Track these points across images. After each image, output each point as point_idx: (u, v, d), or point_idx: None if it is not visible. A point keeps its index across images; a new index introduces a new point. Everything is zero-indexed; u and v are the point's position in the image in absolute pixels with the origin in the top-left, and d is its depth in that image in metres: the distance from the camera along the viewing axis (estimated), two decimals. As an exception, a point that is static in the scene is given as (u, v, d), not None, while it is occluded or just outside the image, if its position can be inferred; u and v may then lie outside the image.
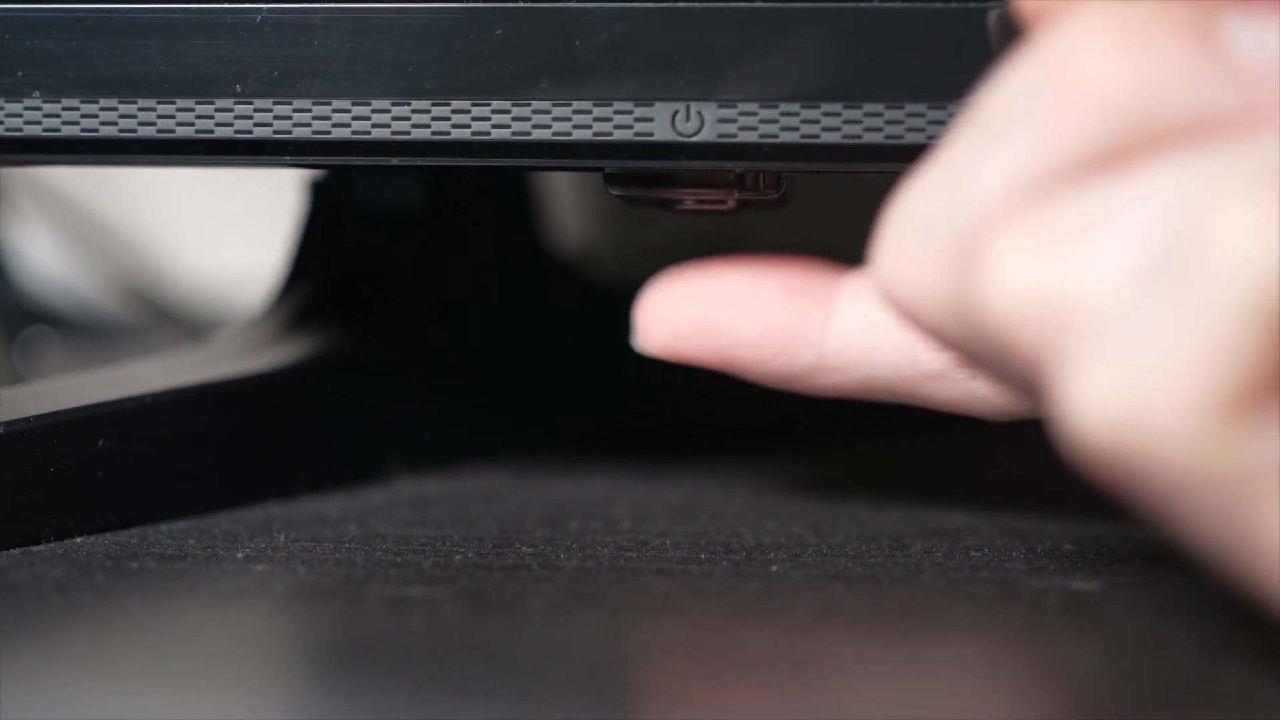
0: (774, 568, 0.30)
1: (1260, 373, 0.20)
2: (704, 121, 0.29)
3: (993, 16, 0.27)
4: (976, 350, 0.23)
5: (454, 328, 0.41)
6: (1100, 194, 0.21)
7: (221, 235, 0.71)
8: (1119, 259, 0.20)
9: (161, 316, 0.66)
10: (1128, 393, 0.20)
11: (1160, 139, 0.21)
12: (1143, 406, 0.20)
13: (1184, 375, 0.20)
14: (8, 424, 0.31)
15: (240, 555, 0.31)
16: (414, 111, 0.30)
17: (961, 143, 0.23)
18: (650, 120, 0.29)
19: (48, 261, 0.68)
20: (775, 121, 0.29)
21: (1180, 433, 0.20)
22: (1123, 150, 0.21)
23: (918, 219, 0.23)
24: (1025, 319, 0.21)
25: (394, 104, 0.30)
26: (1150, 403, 0.20)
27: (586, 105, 0.30)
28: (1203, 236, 0.20)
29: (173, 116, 0.31)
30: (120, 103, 0.31)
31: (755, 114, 0.29)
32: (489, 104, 0.30)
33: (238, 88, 0.30)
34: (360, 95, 0.30)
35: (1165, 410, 0.20)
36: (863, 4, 0.29)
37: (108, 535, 0.32)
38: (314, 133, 0.30)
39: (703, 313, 0.31)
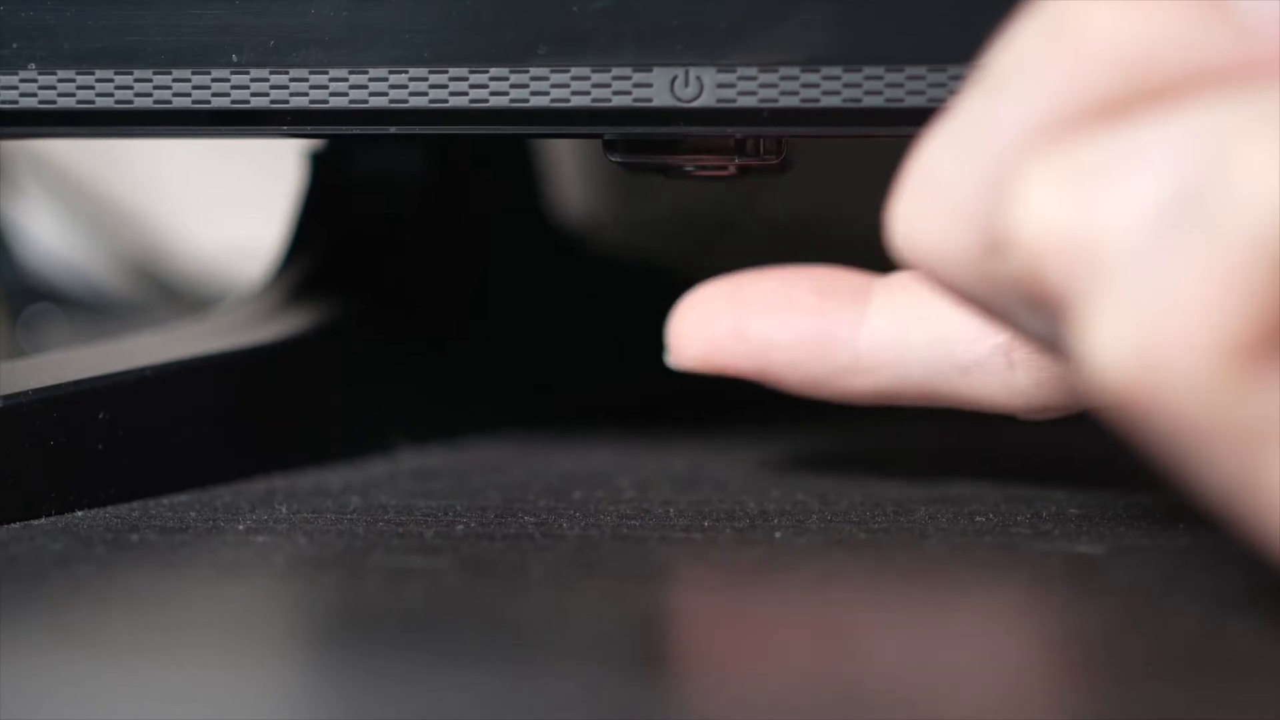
0: (778, 534, 0.30)
1: (1276, 321, 0.20)
2: (703, 86, 0.29)
3: None
4: (998, 301, 0.23)
5: (455, 299, 0.41)
6: (1126, 134, 0.21)
7: (227, 210, 0.71)
8: (1143, 198, 0.21)
9: (166, 293, 0.66)
10: (1144, 335, 0.20)
11: (1166, 89, 0.21)
12: (1158, 350, 0.20)
13: (1200, 320, 0.20)
14: (7, 398, 0.31)
15: (241, 527, 0.31)
16: (412, 79, 0.30)
17: (973, 96, 0.23)
18: (649, 86, 0.29)
19: (51, 239, 0.68)
20: (775, 86, 0.29)
21: (1194, 378, 0.20)
22: (1131, 100, 0.21)
23: (933, 173, 0.23)
24: (1053, 253, 0.21)
25: (392, 72, 0.30)
26: (1166, 347, 0.20)
27: (585, 71, 0.29)
28: (1223, 180, 0.20)
29: (169, 87, 0.30)
30: (116, 74, 0.30)
31: (754, 78, 0.29)
32: (487, 71, 0.30)
33: (234, 57, 0.30)
34: (358, 64, 0.30)
35: (1180, 355, 0.20)
36: (862, -34, 0.29)
37: (108, 508, 0.32)
38: (311, 102, 0.30)
39: (736, 321, 0.31)
